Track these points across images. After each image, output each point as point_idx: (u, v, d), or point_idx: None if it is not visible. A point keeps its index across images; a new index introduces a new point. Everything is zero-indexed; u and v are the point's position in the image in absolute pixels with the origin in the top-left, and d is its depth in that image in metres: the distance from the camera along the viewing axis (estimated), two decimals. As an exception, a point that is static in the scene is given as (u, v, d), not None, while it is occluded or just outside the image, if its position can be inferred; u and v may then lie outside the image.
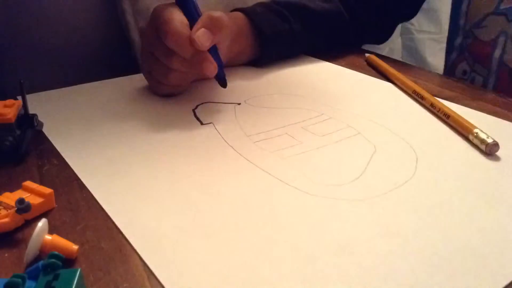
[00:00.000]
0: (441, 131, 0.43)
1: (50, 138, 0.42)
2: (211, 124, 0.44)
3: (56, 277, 0.24)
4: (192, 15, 0.45)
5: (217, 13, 0.45)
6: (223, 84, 0.49)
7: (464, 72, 0.61)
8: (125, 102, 0.49)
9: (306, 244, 0.28)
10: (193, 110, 0.47)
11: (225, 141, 0.41)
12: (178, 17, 0.44)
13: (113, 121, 0.45)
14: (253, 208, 0.32)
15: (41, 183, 0.34)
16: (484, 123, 0.41)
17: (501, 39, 0.53)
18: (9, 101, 0.40)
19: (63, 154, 0.39)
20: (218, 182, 0.35)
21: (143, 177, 0.35)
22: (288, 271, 0.26)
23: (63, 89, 0.53)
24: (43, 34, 0.60)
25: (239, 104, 0.48)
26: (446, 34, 0.66)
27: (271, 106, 0.48)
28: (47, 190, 0.32)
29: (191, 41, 0.42)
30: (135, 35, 0.62)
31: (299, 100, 0.49)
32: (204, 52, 0.44)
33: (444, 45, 0.68)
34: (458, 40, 0.61)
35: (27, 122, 0.41)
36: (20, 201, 0.29)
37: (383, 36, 0.71)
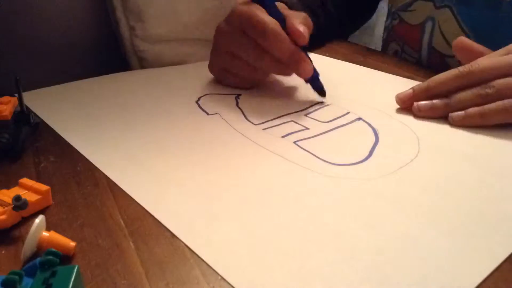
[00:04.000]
0: None
1: (59, 133, 0.42)
2: (217, 115, 0.44)
3: (53, 274, 0.23)
4: (276, 14, 0.45)
5: (300, 12, 0.47)
6: (322, 91, 0.48)
7: (396, 52, 0.64)
8: (126, 97, 0.49)
9: (331, 221, 0.29)
10: (196, 102, 0.47)
11: (235, 129, 0.42)
12: (269, 18, 0.44)
13: (118, 116, 0.45)
14: (274, 190, 0.33)
15: (38, 180, 0.33)
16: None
17: (429, 24, 0.55)
18: (5, 98, 0.40)
19: (76, 147, 0.39)
20: (236, 167, 0.36)
21: (163, 166, 0.36)
22: (315, 246, 0.27)
23: (60, 85, 0.53)
24: (33, 33, 0.59)
25: (239, 94, 0.49)
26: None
27: (270, 95, 0.49)
28: (44, 187, 0.32)
29: (295, 34, 0.43)
30: (125, 32, 0.62)
31: (296, 89, 0.51)
32: (300, 52, 0.45)
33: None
34: (387, 22, 0.64)
35: (24, 119, 0.41)
36: (17, 198, 0.29)
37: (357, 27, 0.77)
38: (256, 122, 0.43)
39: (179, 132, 0.41)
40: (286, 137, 0.40)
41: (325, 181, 0.34)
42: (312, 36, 0.59)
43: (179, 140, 0.40)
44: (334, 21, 0.66)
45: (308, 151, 0.38)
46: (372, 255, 0.27)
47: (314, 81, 0.47)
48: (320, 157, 0.37)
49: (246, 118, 0.44)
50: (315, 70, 0.47)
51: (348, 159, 0.36)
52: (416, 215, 0.30)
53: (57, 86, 0.52)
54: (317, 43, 0.63)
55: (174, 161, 0.37)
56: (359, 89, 0.50)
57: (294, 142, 0.39)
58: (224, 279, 0.25)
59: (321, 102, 0.47)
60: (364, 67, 0.57)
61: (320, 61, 0.60)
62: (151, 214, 0.31)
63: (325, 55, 0.62)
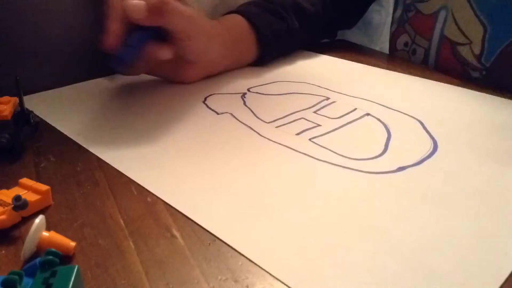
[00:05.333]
0: (440, 101, 0.46)
1: (74, 138, 0.41)
2: (228, 114, 0.44)
3: (53, 274, 0.23)
4: None
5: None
6: (120, 66, 0.44)
7: (406, 44, 0.63)
8: (132, 98, 0.49)
9: (362, 214, 0.30)
10: (204, 102, 0.47)
11: (249, 127, 0.42)
12: None
13: (127, 117, 0.45)
14: (302, 185, 0.33)
15: (38, 180, 0.33)
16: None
17: (442, 13, 0.55)
18: (5, 98, 0.40)
19: (95, 152, 0.39)
20: (256, 164, 0.36)
21: (183, 167, 0.36)
22: (352, 238, 0.28)
23: (64, 87, 0.53)
24: (33, 33, 0.59)
25: (245, 93, 0.49)
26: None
27: (275, 93, 0.49)
28: (44, 187, 0.32)
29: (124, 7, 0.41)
30: None
31: (300, 87, 0.51)
32: (110, 24, 0.42)
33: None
34: (398, 13, 0.63)
35: (24, 119, 0.41)
36: (17, 198, 0.29)
37: (353, 22, 0.73)
38: (268, 120, 0.43)
39: (193, 132, 0.41)
40: (300, 135, 0.40)
41: (349, 176, 0.34)
42: (278, 40, 0.56)
43: (195, 140, 0.40)
44: (317, 20, 0.62)
45: (326, 148, 0.38)
46: (409, 247, 0.27)
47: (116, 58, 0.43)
48: (339, 153, 0.37)
49: (257, 117, 0.44)
50: (135, 43, 0.43)
51: (366, 154, 0.37)
52: (442, 208, 0.30)
53: (61, 88, 0.52)
54: (289, 46, 0.60)
55: (195, 162, 0.37)
56: (361, 87, 0.50)
57: (310, 140, 0.39)
58: (225, 279, 0.25)
59: (327, 99, 0.47)
60: (362, 64, 0.57)
61: (319, 60, 0.60)
62: (192, 218, 0.30)
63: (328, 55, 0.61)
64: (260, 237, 0.28)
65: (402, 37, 0.63)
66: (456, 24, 0.54)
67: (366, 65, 0.57)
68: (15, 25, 0.58)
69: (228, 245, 0.28)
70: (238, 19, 0.56)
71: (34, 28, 0.59)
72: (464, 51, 0.54)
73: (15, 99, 0.40)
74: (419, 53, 0.60)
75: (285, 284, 0.25)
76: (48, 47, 0.60)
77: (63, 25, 0.61)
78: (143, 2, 0.41)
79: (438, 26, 0.56)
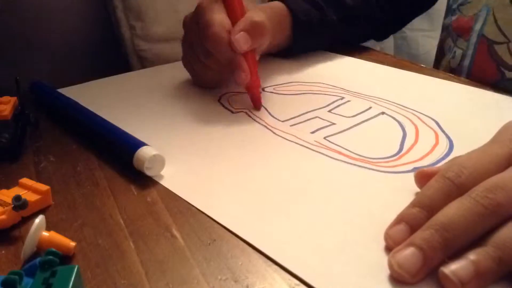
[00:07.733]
0: (456, 100, 0.46)
1: None
2: (242, 112, 0.45)
3: (53, 274, 0.23)
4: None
5: (259, 17, 0.44)
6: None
7: (449, 49, 0.62)
8: (147, 98, 0.49)
9: (378, 212, 0.30)
10: (219, 101, 0.48)
11: (264, 126, 0.42)
12: (219, 19, 0.42)
13: (140, 117, 0.45)
14: (318, 184, 0.33)
15: (38, 180, 0.34)
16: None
17: (483, 12, 0.54)
18: (5, 98, 0.40)
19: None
20: (271, 162, 0.36)
21: (198, 165, 0.36)
22: (368, 237, 0.28)
23: (76, 86, 0.52)
24: (33, 33, 0.59)
25: (260, 93, 0.49)
26: (439, 30, 0.67)
27: (290, 93, 0.49)
28: (44, 187, 0.32)
29: (230, 44, 0.42)
30: (125, 32, 0.62)
31: (315, 87, 0.51)
32: (239, 58, 0.43)
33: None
34: (447, 20, 0.62)
35: (24, 119, 0.41)
36: (17, 198, 0.29)
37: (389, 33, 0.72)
38: (282, 119, 0.43)
39: (208, 131, 0.41)
40: (315, 133, 0.40)
41: (364, 175, 0.34)
42: (311, 29, 0.55)
43: (210, 139, 0.40)
44: (357, 14, 0.60)
45: (341, 146, 0.38)
46: None
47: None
48: (354, 151, 0.37)
49: (272, 115, 0.44)
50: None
51: (381, 153, 0.37)
52: None
53: (71, 87, 0.52)
54: (321, 37, 0.59)
55: (211, 160, 0.37)
56: (375, 86, 0.50)
57: (325, 138, 0.39)
58: (225, 279, 0.25)
59: (341, 98, 0.47)
60: (376, 64, 0.57)
61: (332, 59, 0.59)
62: (209, 215, 0.31)
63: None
64: (276, 233, 0.29)
65: (447, 41, 0.62)
66: (496, 23, 0.52)
67: (380, 65, 0.56)
68: (15, 25, 0.58)
69: (231, 244, 0.28)
70: (278, 3, 0.55)
71: (34, 27, 0.59)
72: (501, 50, 0.52)
73: (15, 99, 0.41)
74: (457, 55, 0.58)
75: (303, 282, 0.25)
76: (47, 45, 0.60)
77: (64, 25, 0.61)
78: (245, 34, 0.42)
79: (478, 26, 0.54)
